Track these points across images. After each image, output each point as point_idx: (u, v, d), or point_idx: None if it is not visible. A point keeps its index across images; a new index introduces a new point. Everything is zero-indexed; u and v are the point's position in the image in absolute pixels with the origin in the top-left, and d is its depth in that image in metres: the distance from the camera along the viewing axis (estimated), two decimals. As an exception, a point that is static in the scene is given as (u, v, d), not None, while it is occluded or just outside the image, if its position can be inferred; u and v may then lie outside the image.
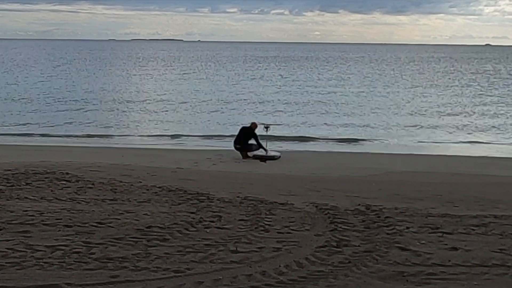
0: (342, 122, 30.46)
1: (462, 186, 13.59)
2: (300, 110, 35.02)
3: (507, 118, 32.77)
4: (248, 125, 19.32)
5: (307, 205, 10.75)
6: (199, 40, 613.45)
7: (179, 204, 10.78)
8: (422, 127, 29.04)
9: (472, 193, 12.64)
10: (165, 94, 44.18)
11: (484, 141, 25.29)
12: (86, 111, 33.94)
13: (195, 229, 9.02)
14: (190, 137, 25.59)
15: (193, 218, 9.64)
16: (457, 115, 33.60)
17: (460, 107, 37.55)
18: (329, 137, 25.74)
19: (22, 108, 34.77)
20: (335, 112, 34.42)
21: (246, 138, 18.62)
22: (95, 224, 9.18)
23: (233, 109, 35.92)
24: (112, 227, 9.06)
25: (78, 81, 54.49)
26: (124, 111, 34.44)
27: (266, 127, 19.65)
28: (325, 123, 29.98)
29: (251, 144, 18.66)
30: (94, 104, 36.88)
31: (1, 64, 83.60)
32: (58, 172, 13.52)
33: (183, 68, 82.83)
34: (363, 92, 46.84)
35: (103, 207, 10.35)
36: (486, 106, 37.95)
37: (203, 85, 52.71)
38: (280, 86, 52.15)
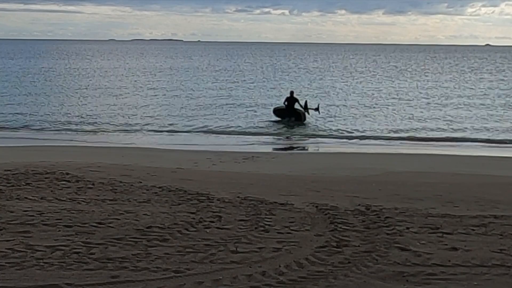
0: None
1: (462, 186, 13.58)
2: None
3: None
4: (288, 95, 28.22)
5: (307, 205, 10.75)
6: (199, 41, 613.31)
7: (179, 204, 10.78)
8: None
9: (472, 193, 12.63)
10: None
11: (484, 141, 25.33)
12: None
13: (195, 230, 9.01)
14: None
15: (193, 219, 9.64)
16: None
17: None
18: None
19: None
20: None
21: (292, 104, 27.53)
22: (95, 224, 9.18)
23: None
24: (112, 227, 9.06)
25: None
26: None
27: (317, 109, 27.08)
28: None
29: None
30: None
31: None
32: (58, 172, 13.50)
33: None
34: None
35: (103, 207, 10.34)
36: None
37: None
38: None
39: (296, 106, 27.81)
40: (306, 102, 28.43)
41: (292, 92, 28.41)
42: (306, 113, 27.93)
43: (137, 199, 11.10)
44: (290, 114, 27.65)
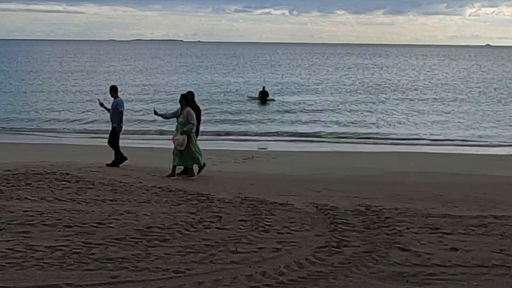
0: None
1: (462, 186, 13.59)
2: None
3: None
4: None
5: (307, 206, 10.75)
6: (198, 41, 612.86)
7: (179, 204, 10.78)
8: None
9: (472, 193, 12.63)
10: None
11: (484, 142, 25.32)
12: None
13: (195, 230, 9.01)
14: None
15: (193, 219, 9.64)
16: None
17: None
18: None
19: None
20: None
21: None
22: (95, 224, 9.17)
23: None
24: (112, 227, 9.06)
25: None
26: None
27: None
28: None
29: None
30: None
31: None
32: (58, 172, 13.50)
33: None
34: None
35: (103, 208, 10.34)
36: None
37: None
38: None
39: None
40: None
41: (264, 87, 41.96)
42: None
43: (137, 199, 11.10)
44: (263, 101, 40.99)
